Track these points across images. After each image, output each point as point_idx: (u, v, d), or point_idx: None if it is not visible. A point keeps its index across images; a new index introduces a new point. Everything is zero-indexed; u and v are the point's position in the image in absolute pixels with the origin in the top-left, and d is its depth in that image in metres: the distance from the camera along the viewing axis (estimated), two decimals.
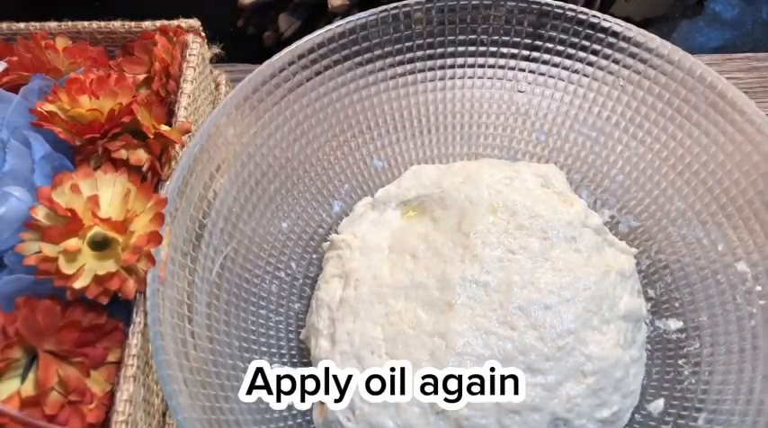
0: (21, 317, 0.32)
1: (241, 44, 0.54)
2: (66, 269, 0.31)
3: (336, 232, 0.42)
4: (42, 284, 0.32)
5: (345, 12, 0.52)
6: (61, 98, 0.35)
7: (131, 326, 0.33)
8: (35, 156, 0.35)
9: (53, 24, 0.42)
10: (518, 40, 0.43)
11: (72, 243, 0.31)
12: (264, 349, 0.38)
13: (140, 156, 0.35)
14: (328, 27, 0.41)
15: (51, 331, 0.32)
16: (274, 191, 0.41)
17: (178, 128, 0.36)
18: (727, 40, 0.59)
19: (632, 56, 0.41)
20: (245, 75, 0.53)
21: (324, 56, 0.41)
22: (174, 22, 0.42)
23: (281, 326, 0.40)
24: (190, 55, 0.41)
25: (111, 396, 0.32)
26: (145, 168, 0.35)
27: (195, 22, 0.42)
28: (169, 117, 0.39)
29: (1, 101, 0.37)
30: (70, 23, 0.42)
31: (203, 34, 0.43)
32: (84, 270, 0.31)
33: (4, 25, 0.42)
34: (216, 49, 0.44)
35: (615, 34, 0.41)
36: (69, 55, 0.39)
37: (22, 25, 0.42)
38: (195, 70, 0.41)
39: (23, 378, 0.32)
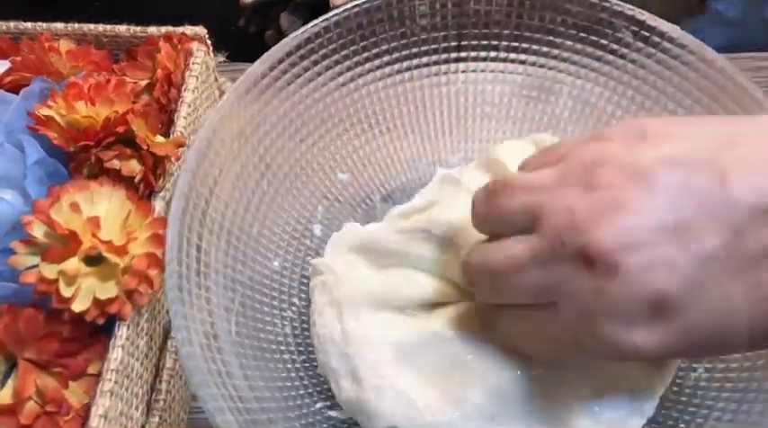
0: (2, 324, 0.32)
1: (242, 43, 0.54)
2: (66, 292, 0.31)
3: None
4: (27, 291, 0.32)
5: None
6: (58, 102, 0.35)
7: (112, 340, 0.32)
8: (28, 161, 0.35)
9: (60, 25, 0.42)
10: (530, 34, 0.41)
11: (71, 264, 0.31)
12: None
13: (133, 167, 0.34)
14: (324, 17, 0.39)
15: (32, 340, 0.32)
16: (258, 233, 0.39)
17: (173, 140, 0.36)
18: (730, 40, 0.58)
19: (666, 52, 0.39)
20: None
21: (321, 46, 0.39)
22: (180, 29, 0.41)
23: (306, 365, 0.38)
24: (193, 63, 0.40)
25: (88, 408, 0.32)
26: (137, 179, 0.34)
27: (201, 30, 0.42)
28: (169, 126, 0.39)
29: (1, 102, 0.37)
30: (76, 25, 0.41)
31: (208, 42, 0.42)
32: (81, 289, 0.31)
33: (12, 24, 0.42)
34: (221, 57, 0.44)
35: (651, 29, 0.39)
36: (72, 58, 0.39)
37: (29, 25, 0.42)
38: (198, 79, 0.40)
39: (2, 385, 0.32)
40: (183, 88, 0.40)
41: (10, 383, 0.32)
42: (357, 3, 0.39)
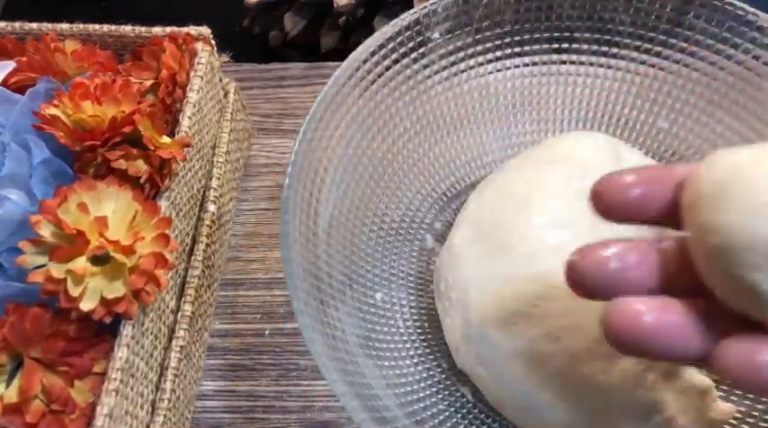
0: (9, 323, 0.32)
1: (246, 44, 0.54)
2: (74, 291, 0.31)
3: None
4: (33, 291, 0.32)
5: (351, 11, 0.52)
6: (64, 102, 0.35)
7: (118, 339, 0.32)
8: (34, 161, 0.35)
9: (65, 26, 0.42)
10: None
11: (79, 264, 0.31)
12: None
13: (139, 168, 0.34)
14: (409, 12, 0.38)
15: (38, 338, 0.32)
16: None
17: (178, 141, 0.36)
18: None
19: None
20: (252, 75, 0.53)
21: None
22: (184, 30, 0.41)
23: None
24: (198, 63, 0.40)
25: (93, 407, 0.32)
26: (143, 179, 0.35)
27: (205, 30, 0.42)
28: (174, 126, 0.39)
29: (7, 102, 0.37)
30: (81, 26, 0.41)
31: (213, 42, 0.42)
32: (89, 288, 0.31)
33: (17, 24, 0.42)
34: (225, 58, 0.44)
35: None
36: (77, 58, 0.39)
37: (34, 25, 0.42)
38: (202, 79, 0.40)
39: (8, 384, 0.32)
40: (187, 88, 0.40)
41: (16, 382, 0.32)
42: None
